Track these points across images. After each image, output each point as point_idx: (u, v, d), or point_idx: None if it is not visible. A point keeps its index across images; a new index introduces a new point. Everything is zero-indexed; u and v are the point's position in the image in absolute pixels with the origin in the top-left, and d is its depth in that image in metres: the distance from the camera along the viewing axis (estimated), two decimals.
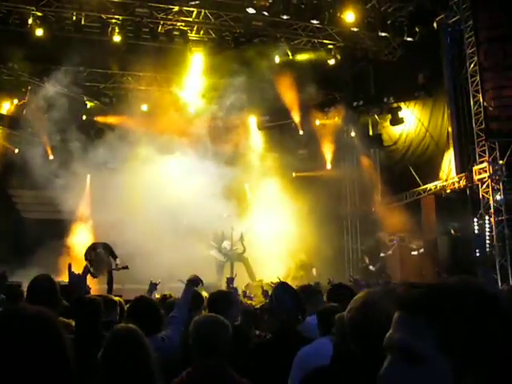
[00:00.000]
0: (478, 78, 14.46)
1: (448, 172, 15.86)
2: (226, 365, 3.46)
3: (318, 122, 18.89)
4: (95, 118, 17.77)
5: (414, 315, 1.19)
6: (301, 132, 18.56)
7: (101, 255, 13.50)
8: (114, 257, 13.76)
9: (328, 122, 18.95)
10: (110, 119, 17.66)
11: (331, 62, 17.55)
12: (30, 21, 14.95)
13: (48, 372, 1.55)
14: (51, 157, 16.90)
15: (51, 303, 3.98)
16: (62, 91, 16.44)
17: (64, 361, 1.62)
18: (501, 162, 14.10)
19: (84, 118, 17.49)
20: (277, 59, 17.13)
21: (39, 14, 14.88)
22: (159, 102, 17.64)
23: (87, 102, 17.69)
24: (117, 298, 5.73)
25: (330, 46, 17.44)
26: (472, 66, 14.68)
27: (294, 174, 18.68)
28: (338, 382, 2.64)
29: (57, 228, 15.75)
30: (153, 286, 6.82)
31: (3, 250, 14.33)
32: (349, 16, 15.09)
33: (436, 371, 1.13)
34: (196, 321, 3.62)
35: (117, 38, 15.64)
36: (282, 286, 4.64)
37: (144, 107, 18.08)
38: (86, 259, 13.59)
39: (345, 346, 2.75)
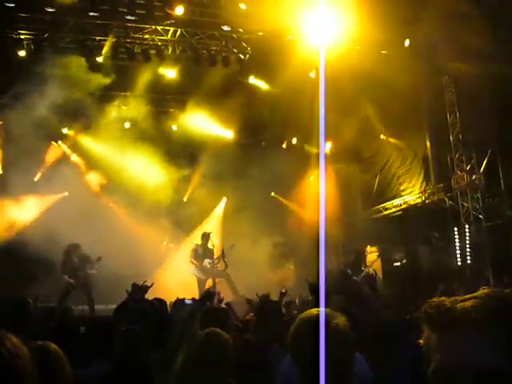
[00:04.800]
0: (453, 88, 14.62)
1: (427, 182, 15.95)
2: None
3: (294, 140, 19.00)
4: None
5: (482, 330, 1.06)
6: (281, 147, 18.63)
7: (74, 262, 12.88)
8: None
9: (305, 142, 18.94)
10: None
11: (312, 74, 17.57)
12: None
13: None
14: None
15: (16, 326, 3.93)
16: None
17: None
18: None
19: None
20: (252, 79, 17.15)
21: (15, 36, 14.86)
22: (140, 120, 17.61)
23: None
24: None
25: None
26: (446, 77, 14.85)
27: (272, 194, 18.75)
28: None
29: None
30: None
31: None
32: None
33: None
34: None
35: (99, 59, 15.59)
36: None
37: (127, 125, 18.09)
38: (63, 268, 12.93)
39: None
